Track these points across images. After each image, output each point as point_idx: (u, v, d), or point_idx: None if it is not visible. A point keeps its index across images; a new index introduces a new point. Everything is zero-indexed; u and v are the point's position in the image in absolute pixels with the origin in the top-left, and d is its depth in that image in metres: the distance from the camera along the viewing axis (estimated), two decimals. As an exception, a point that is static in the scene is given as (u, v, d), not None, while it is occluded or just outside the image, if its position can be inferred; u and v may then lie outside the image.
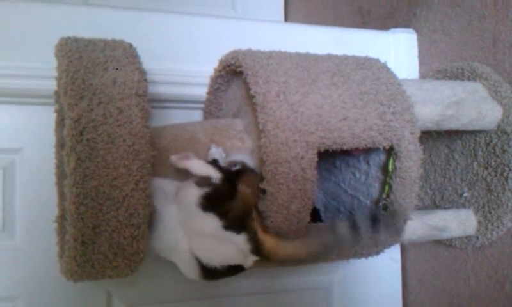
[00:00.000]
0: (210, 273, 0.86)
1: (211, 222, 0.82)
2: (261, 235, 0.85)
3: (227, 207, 0.83)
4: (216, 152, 0.93)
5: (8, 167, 1.04)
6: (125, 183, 0.76)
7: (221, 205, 0.83)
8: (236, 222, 0.83)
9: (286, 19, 2.03)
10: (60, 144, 0.90)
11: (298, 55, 0.98)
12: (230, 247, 0.83)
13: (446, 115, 1.03)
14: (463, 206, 1.19)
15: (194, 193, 0.83)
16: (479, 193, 1.15)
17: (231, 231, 0.82)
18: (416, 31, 1.35)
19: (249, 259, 0.86)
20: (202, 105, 1.12)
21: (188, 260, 0.86)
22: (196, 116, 1.14)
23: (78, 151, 0.73)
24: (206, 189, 0.82)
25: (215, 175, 0.84)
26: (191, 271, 0.87)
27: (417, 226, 1.09)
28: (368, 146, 0.91)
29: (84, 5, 1.55)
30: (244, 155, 0.94)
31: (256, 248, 0.84)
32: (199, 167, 0.87)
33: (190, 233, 0.85)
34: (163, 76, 1.09)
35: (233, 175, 0.87)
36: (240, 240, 0.83)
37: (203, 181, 0.84)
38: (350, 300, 1.35)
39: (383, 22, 1.47)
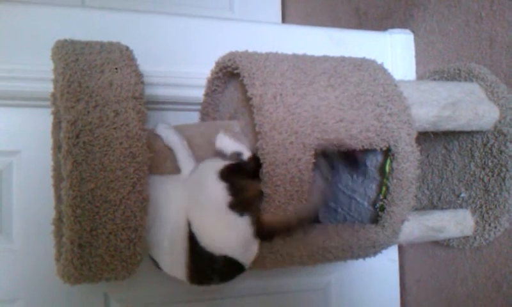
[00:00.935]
0: (200, 267, 0.84)
1: (220, 194, 0.82)
2: (260, 215, 0.85)
3: (244, 184, 0.84)
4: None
5: (5, 169, 1.04)
6: (122, 186, 0.76)
7: (240, 178, 0.84)
8: (243, 204, 0.82)
9: (283, 20, 2.03)
10: (57, 147, 0.90)
11: (295, 56, 0.98)
12: (231, 232, 0.82)
13: (443, 116, 1.03)
14: (461, 206, 1.19)
15: (218, 163, 0.85)
16: (476, 193, 1.15)
17: (234, 212, 0.81)
18: (413, 31, 1.35)
19: (249, 252, 0.84)
20: (199, 107, 1.11)
21: (178, 256, 0.84)
22: (193, 117, 1.14)
23: (74, 154, 0.73)
24: (232, 161, 0.85)
25: (246, 152, 0.88)
26: (179, 269, 0.85)
27: (415, 227, 1.09)
28: (366, 147, 0.91)
29: (81, 7, 1.55)
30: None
31: (258, 229, 0.83)
32: (231, 144, 0.91)
33: (195, 210, 0.83)
34: (160, 78, 1.09)
35: (259, 159, 0.87)
36: (243, 223, 0.82)
37: (232, 156, 0.88)
38: (348, 301, 1.35)
39: (380, 23, 1.47)
